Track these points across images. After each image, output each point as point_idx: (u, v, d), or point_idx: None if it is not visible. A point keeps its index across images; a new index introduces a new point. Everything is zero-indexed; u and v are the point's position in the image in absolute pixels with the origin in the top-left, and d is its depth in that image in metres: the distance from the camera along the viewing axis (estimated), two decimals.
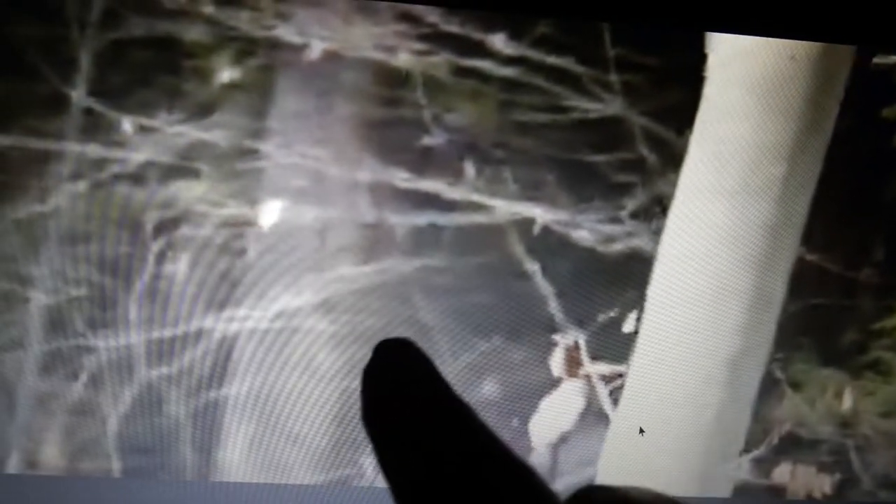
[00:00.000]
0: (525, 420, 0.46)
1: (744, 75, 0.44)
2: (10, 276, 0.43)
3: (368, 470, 0.46)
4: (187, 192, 0.43)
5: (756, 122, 0.44)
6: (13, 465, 0.45)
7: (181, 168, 0.42)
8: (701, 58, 0.43)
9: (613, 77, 0.43)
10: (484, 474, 0.15)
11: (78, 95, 0.42)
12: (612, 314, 0.46)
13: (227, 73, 0.42)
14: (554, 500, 0.15)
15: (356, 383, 0.44)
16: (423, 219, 0.44)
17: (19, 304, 0.43)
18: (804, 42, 0.44)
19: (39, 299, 0.43)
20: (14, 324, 0.43)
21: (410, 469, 0.16)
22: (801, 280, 0.46)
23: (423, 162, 0.43)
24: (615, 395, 0.47)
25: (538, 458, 0.47)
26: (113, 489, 0.45)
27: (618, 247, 0.45)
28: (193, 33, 0.41)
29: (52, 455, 0.45)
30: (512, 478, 0.15)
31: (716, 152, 0.44)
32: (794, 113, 0.44)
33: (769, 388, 0.47)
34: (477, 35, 0.42)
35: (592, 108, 0.43)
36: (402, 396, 0.17)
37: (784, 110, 0.44)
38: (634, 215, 0.45)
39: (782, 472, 0.49)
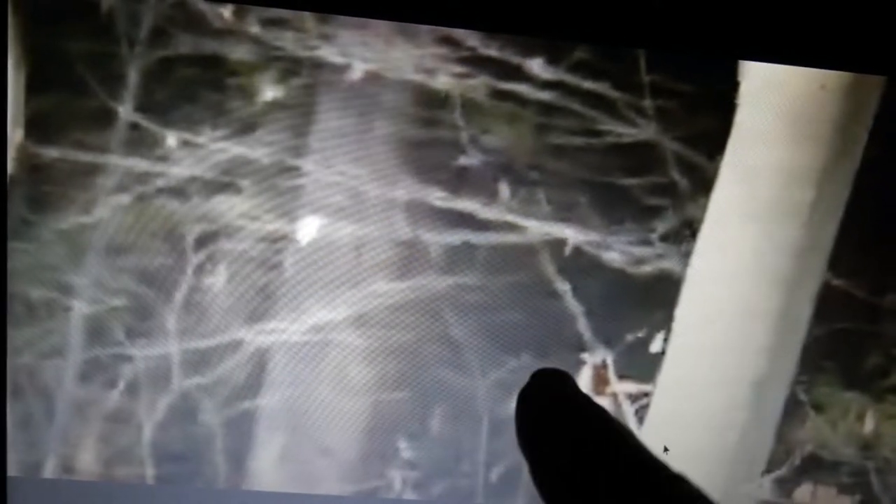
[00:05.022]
0: None
1: (775, 103, 0.47)
2: (52, 285, 0.46)
3: (397, 483, 0.49)
4: (228, 206, 0.46)
5: (786, 148, 0.47)
6: (50, 470, 0.48)
7: (223, 183, 0.45)
8: (733, 85, 0.46)
9: (648, 102, 0.46)
10: (647, 498, 0.16)
11: (125, 110, 0.45)
12: (639, 334, 0.49)
13: (270, 92, 0.45)
14: None
15: (387, 397, 0.47)
16: (457, 237, 0.47)
17: (60, 313, 0.46)
18: (835, 72, 0.47)
19: (80, 308, 0.46)
20: (55, 332, 0.46)
21: (570, 492, 0.17)
22: (827, 304, 0.49)
23: (459, 182, 0.46)
24: (641, 414, 0.50)
25: None
26: (146, 495, 0.48)
27: (647, 268, 0.48)
28: (239, 52, 0.44)
29: (87, 461, 0.48)
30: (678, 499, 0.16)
31: (746, 177, 0.47)
32: (824, 140, 0.47)
33: (792, 409, 0.50)
34: (515, 59, 0.45)
35: (626, 132, 0.46)
36: (561, 419, 0.18)
37: (813, 138, 0.47)
38: (664, 238, 0.48)
39: (803, 493, 0.51)
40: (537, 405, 0.19)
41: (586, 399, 0.19)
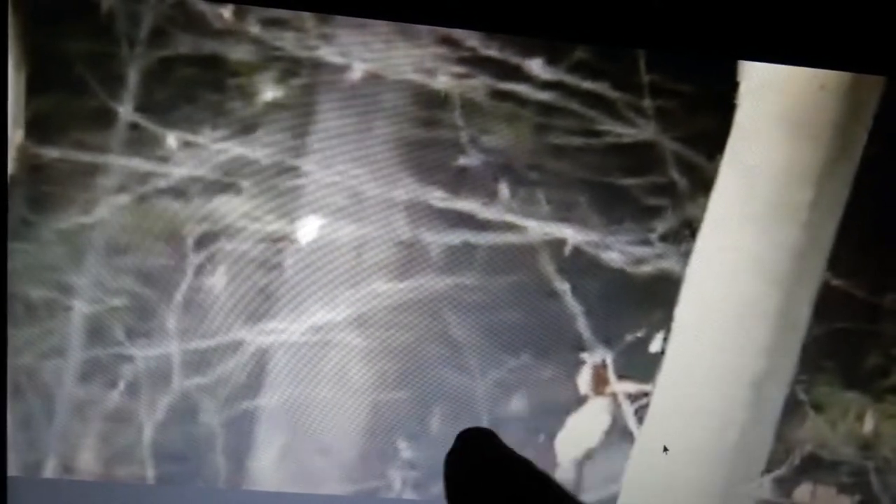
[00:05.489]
0: (551, 436, 0.49)
1: (775, 103, 0.47)
2: (52, 285, 0.46)
3: (396, 482, 0.49)
4: (228, 207, 0.46)
5: (785, 148, 0.47)
6: (50, 470, 0.48)
7: (223, 183, 0.46)
8: (733, 86, 0.47)
9: (647, 103, 0.46)
10: None
11: (125, 110, 0.45)
12: (639, 334, 0.49)
13: (270, 92, 0.45)
14: None
15: (386, 397, 0.47)
16: (457, 237, 0.47)
17: (61, 313, 0.47)
18: (834, 72, 0.47)
19: (81, 308, 0.46)
20: (55, 332, 0.47)
21: None
22: (826, 304, 0.49)
23: (459, 182, 0.47)
24: (640, 414, 0.50)
25: (563, 474, 0.50)
26: (147, 495, 0.49)
27: (647, 268, 0.48)
28: (239, 52, 0.45)
29: (87, 461, 0.48)
30: None
31: (745, 178, 0.48)
32: (823, 140, 0.47)
33: (792, 409, 0.51)
34: (515, 59, 0.46)
35: (626, 132, 0.47)
36: (486, 481, 0.19)
37: (813, 138, 0.47)
38: (664, 238, 0.48)
39: (803, 493, 0.52)
40: (465, 468, 0.20)
41: (512, 455, 0.20)
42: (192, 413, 0.48)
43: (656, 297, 0.49)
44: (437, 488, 0.50)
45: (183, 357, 0.47)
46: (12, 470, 0.48)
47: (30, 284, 0.46)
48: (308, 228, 0.46)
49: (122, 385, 0.48)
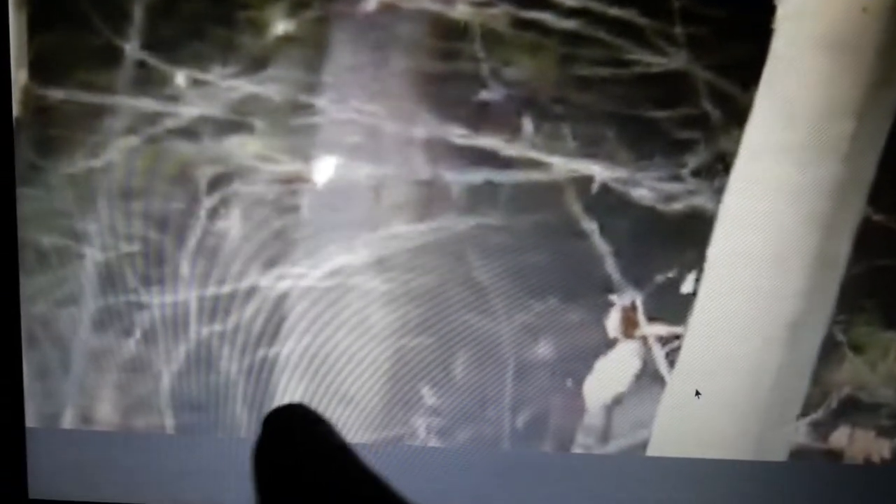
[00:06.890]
0: (580, 381, 0.48)
1: (813, 28, 0.45)
2: (63, 231, 0.45)
3: (420, 430, 0.49)
4: (241, 147, 0.44)
5: (825, 77, 0.45)
6: (68, 421, 0.48)
7: (235, 123, 0.44)
8: (769, 10, 0.44)
9: (678, 30, 0.44)
10: None
11: (131, 48, 0.43)
12: (670, 274, 0.47)
13: (281, 26, 0.43)
14: None
15: (410, 342, 0.46)
16: (479, 176, 0.45)
17: (73, 260, 0.46)
18: None
19: (93, 255, 0.45)
20: (68, 280, 0.46)
21: None
22: (867, 241, 0.47)
23: (480, 117, 0.45)
24: (672, 357, 0.48)
25: (592, 420, 0.49)
26: (166, 445, 0.48)
27: (678, 205, 0.46)
28: None
29: (105, 411, 0.48)
30: None
31: (782, 108, 0.45)
32: (865, 68, 0.45)
33: (829, 350, 0.49)
34: None
35: (655, 61, 0.44)
36: (297, 476, 0.17)
37: (854, 65, 0.45)
38: (696, 173, 0.46)
39: (840, 437, 0.50)
40: (273, 463, 0.18)
41: (325, 440, 0.18)
42: (210, 361, 0.47)
43: (688, 235, 0.47)
44: (463, 435, 0.49)
45: (199, 304, 0.46)
46: (30, 421, 0.48)
47: (40, 231, 0.45)
48: (324, 168, 0.45)
49: (138, 333, 0.47)
